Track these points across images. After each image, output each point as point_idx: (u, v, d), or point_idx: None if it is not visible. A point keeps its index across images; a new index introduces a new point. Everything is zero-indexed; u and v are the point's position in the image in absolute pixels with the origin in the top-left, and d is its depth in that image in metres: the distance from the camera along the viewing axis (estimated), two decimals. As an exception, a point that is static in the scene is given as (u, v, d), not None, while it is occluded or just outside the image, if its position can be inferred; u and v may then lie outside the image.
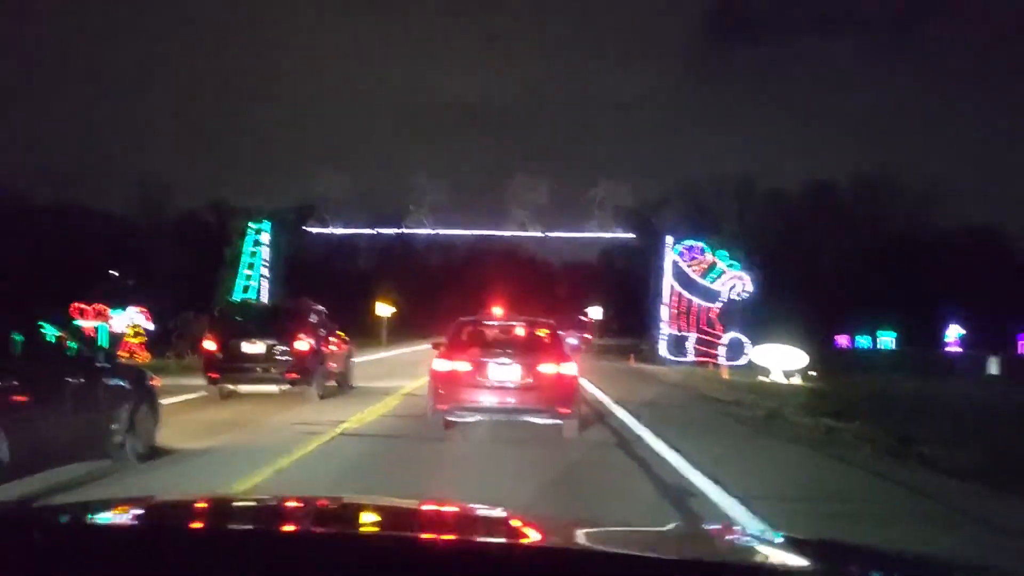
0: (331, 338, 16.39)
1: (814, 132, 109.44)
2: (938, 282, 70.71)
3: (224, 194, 55.01)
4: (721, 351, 30.31)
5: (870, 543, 2.29)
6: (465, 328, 11.86)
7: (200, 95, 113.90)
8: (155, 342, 27.34)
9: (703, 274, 30.60)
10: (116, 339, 25.91)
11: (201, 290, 31.28)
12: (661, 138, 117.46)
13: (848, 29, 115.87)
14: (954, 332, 70.92)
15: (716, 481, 7.59)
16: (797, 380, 23.78)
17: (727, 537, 2.62)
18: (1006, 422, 15.01)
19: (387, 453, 9.63)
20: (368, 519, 2.23)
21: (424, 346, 28.20)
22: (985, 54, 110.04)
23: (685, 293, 30.70)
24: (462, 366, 10.53)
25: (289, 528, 2.11)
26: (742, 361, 29.38)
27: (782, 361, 24.46)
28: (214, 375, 14.50)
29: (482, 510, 2.45)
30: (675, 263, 30.77)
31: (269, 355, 14.45)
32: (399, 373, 22.67)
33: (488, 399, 10.43)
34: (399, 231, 32.77)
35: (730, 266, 30.50)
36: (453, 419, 10.72)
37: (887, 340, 72.88)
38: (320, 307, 16.43)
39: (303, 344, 14.60)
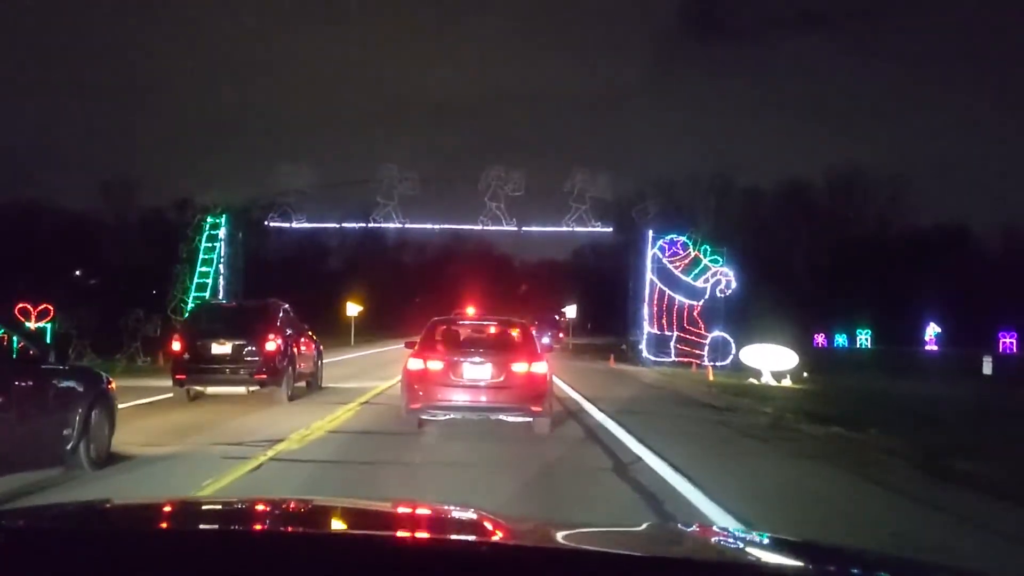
0: (300, 338, 16.26)
1: (787, 130, 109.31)
2: (911, 280, 70.61)
3: (191, 191, 52.85)
4: (704, 351, 28.91)
5: (852, 544, 2.27)
6: (439, 327, 11.91)
7: (168, 92, 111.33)
8: (106, 343, 25.94)
9: (685, 270, 29.17)
10: (66, 339, 24.51)
11: (164, 289, 29.72)
12: (633, 136, 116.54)
13: (817, 25, 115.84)
14: (931, 330, 70.84)
15: (748, 526, 6.05)
16: (788, 382, 22.48)
17: (701, 536, 2.61)
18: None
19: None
20: (337, 519, 2.26)
21: (394, 346, 27.12)
22: (956, 50, 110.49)
23: (667, 290, 29.25)
24: (435, 365, 10.64)
25: (257, 528, 2.10)
26: (726, 361, 28.05)
27: (772, 362, 23.11)
28: (181, 376, 14.36)
29: (454, 511, 2.51)
30: (656, 258, 29.31)
31: (237, 356, 14.38)
32: (369, 375, 21.83)
33: (461, 397, 10.54)
34: (366, 225, 30.90)
35: (713, 261, 29.10)
36: (426, 417, 10.82)
37: (864, 338, 72.61)
38: (287, 307, 16.27)
39: (272, 344, 14.51)
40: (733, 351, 28.24)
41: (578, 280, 76.00)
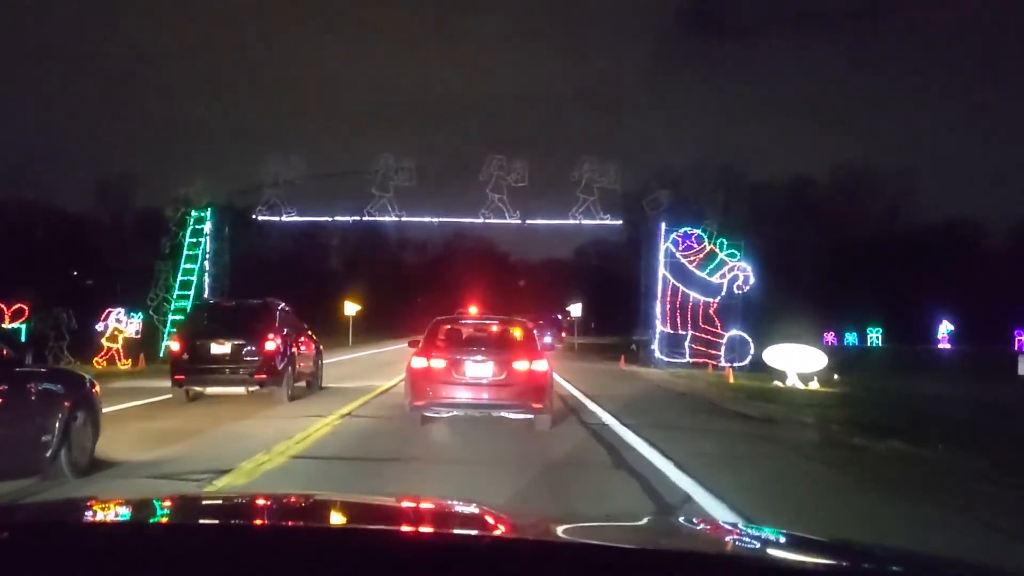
0: (300, 338, 16.16)
1: (790, 127, 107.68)
2: (920, 277, 69.07)
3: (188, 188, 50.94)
4: (721, 351, 27.09)
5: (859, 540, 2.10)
6: (442, 326, 12.06)
7: (166, 88, 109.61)
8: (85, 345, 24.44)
9: (700, 265, 27.34)
10: (43, 341, 22.93)
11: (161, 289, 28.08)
12: (635, 135, 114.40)
13: (818, 24, 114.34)
14: (944, 328, 69.10)
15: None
16: (815, 384, 20.67)
17: (701, 530, 2.60)
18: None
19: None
20: (336, 515, 2.24)
21: (394, 347, 26.06)
22: (960, 46, 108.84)
23: (681, 287, 27.40)
24: (438, 363, 10.81)
25: (259, 523, 2.09)
26: (744, 362, 26.25)
27: (798, 363, 21.28)
28: (180, 377, 14.28)
29: (457, 506, 2.53)
30: (669, 253, 27.47)
31: (236, 356, 14.32)
32: (368, 376, 21.03)
33: (463, 395, 10.73)
34: (360, 218, 28.96)
35: (730, 256, 27.27)
36: (430, 414, 11.01)
37: (875, 336, 70.93)
38: (286, 306, 16.16)
39: (271, 344, 14.43)
40: (751, 351, 26.48)
41: (581, 278, 74.60)
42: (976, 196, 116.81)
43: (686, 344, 27.39)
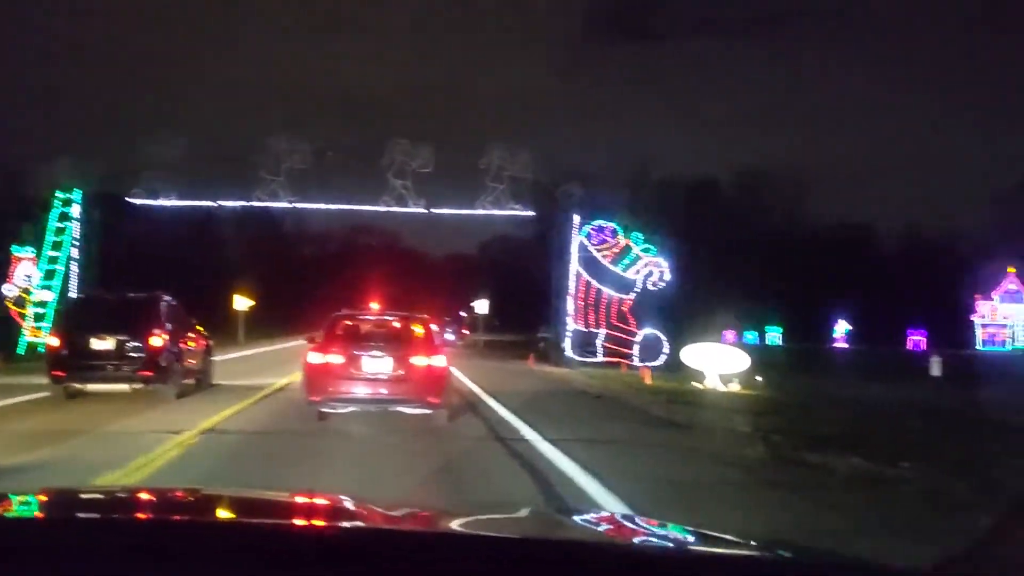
0: (188, 334, 15.78)
1: (692, 131, 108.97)
2: (817, 277, 70.35)
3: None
4: (635, 350, 25.86)
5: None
6: (340, 322, 12.11)
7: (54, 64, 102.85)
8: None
9: (615, 260, 26.02)
10: None
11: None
12: (544, 134, 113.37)
13: (722, 29, 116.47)
14: (841, 327, 70.60)
15: None
16: (736, 386, 19.57)
17: (579, 521, 2.55)
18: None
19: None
20: (212, 508, 2.24)
21: (292, 344, 24.20)
22: (861, 55, 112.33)
23: (594, 282, 26.03)
24: (336, 358, 10.82)
25: (143, 516, 2.09)
26: (658, 362, 25.09)
27: (719, 364, 20.14)
28: (59, 373, 13.61)
29: (340, 500, 2.43)
30: (583, 247, 26.05)
31: (120, 351, 13.76)
32: (263, 373, 20.30)
33: (361, 390, 10.75)
34: (249, 203, 26.44)
35: (645, 251, 26.06)
36: (327, 410, 10.93)
37: (775, 336, 71.98)
38: (174, 300, 15.62)
39: (157, 340, 13.98)
40: (666, 350, 25.36)
41: (486, 275, 73.26)
42: (868, 201, 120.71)
43: (598, 343, 26.05)
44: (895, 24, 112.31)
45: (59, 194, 25.37)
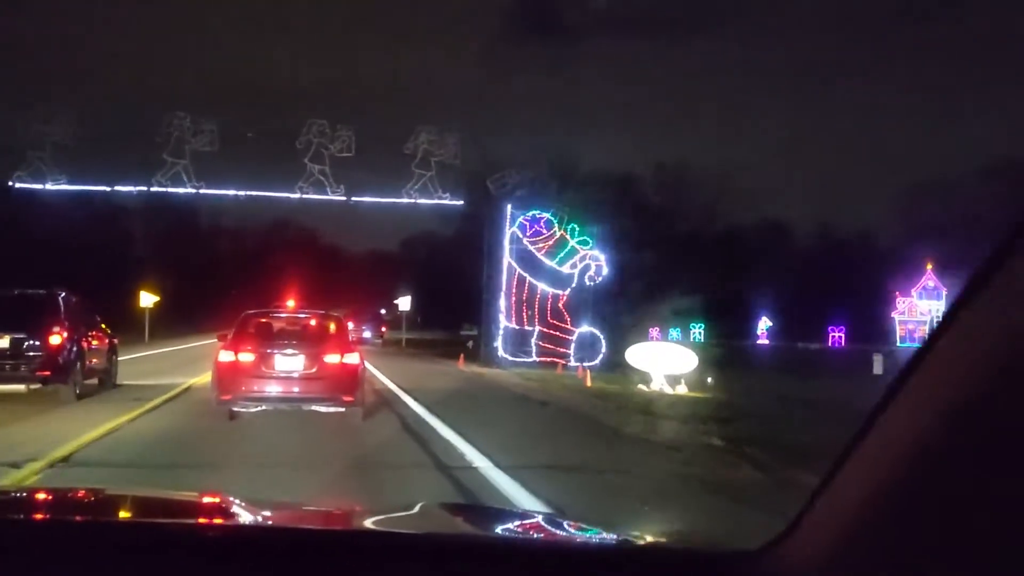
0: (91, 332, 15.18)
1: (617, 126, 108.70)
2: (738, 275, 70.59)
3: None
4: (571, 349, 24.32)
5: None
6: (252, 320, 11.94)
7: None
8: None
9: (550, 253, 24.42)
10: None
11: None
12: (469, 129, 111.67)
13: (640, 28, 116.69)
14: (763, 324, 70.93)
15: None
16: (683, 389, 18.21)
17: (469, 516, 2.54)
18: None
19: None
20: (125, 510, 2.19)
21: (203, 342, 24.67)
22: (777, 57, 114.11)
23: (528, 277, 24.37)
24: (247, 357, 10.68)
25: (40, 517, 2.03)
26: (595, 362, 23.62)
27: (665, 364, 18.74)
28: None
29: (245, 502, 2.32)
30: (516, 239, 24.37)
31: (17, 351, 13.28)
32: (170, 373, 19.04)
33: (273, 388, 10.63)
34: (149, 188, 23.86)
35: (581, 243, 24.53)
36: (238, 408, 10.73)
37: (698, 333, 71.89)
38: (75, 297, 14.95)
39: (57, 338, 13.52)
40: (603, 349, 23.92)
41: (408, 271, 71.37)
42: (786, 198, 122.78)
43: (533, 341, 24.42)
44: (812, 23, 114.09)
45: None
